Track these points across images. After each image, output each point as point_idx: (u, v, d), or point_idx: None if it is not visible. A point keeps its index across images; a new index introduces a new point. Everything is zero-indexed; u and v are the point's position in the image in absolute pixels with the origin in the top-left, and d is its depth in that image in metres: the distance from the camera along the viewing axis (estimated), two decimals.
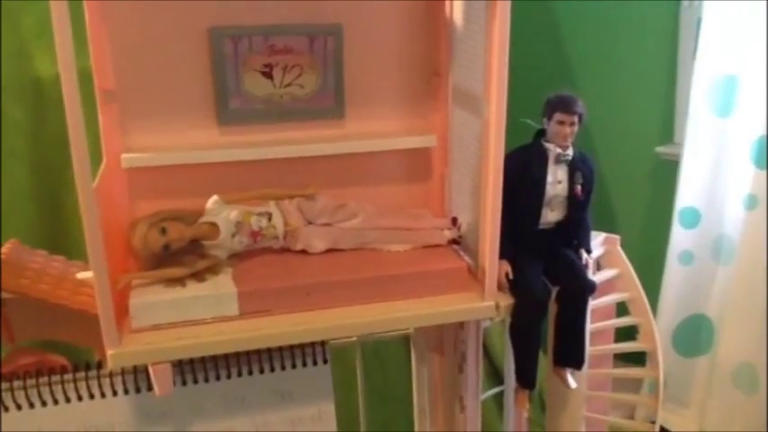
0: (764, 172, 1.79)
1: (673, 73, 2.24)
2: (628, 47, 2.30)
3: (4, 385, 1.12)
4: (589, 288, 1.17)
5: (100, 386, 1.17)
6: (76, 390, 1.15)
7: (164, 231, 1.06)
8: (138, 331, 1.02)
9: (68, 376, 1.15)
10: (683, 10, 2.18)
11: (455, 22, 1.21)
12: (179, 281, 1.07)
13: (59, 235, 1.69)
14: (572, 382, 1.19)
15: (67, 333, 1.23)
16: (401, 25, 1.27)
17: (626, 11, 2.28)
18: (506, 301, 1.13)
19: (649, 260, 2.08)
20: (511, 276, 1.14)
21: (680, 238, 1.94)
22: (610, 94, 2.35)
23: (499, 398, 1.70)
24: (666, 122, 2.28)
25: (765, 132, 1.77)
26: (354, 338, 1.43)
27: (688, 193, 1.92)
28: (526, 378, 1.18)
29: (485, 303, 1.13)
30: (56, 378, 1.14)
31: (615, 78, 2.35)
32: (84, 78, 1.02)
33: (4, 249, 1.23)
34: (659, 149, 2.26)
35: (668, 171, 2.10)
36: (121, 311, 1.03)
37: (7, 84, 1.62)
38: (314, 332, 1.09)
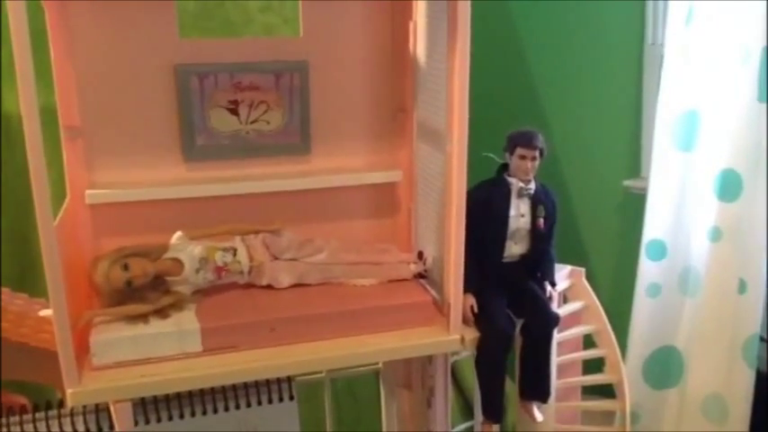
0: (728, 204, 1.82)
1: (638, 109, 2.29)
2: (595, 84, 2.35)
3: None
4: (553, 320, 1.17)
5: (60, 426, 1.14)
6: (35, 430, 1.13)
7: (126, 267, 1.06)
8: (100, 369, 1.01)
9: (28, 416, 1.13)
10: (647, 49, 2.24)
11: (419, 59, 1.24)
12: (142, 317, 1.06)
13: (26, 271, 1.67)
14: (538, 416, 1.19)
15: (29, 372, 1.20)
16: (366, 62, 1.29)
17: (593, 49, 2.33)
18: (472, 334, 1.13)
19: (618, 293, 2.10)
20: (476, 310, 1.14)
21: (647, 270, 1.96)
22: (578, 131, 2.39)
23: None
24: (633, 157, 2.32)
25: (728, 166, 1.81)
26: (323, 374, 1.42)
27: (654, 227, 1.95)
28: (492, 411, 1.18)
29: (450, 337, 1.13)
30: (15, 419, 1.12)
31: (583, 115, 2.39)
32: (50, 115, 1.02)
33: None
34: (627, 183, 2.29)
35: (636, 204, 2.13)
36: (83, 349, 1.02)
37: None
38: (279, 368, 1.09)
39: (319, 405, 1.52)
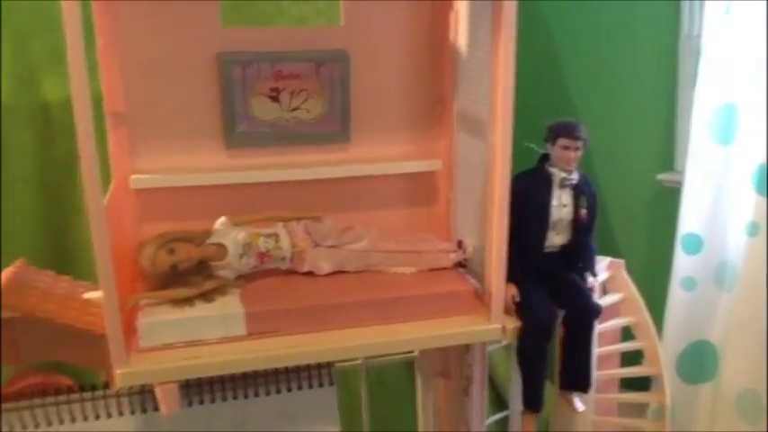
0: (766, 199, 1.80)
1: (673, 102, 2.27)
2: (629, 77, 2.33)
3: (10, 405, 1.12)
4: (595, 311, 1.17)
5: (106, 406, 1.16)
6: (83, 410, 1.15)
7: (172, 252, 1.07)
8: (146, 351, 1.02)
9: (75, 396, 1.15)
10: (683, 41, 2.22)
11: (460, 47, 1.23)
12: (187, 301, 1.07)
13: (65, 258, 1.69)
14: (580, 406, 1.19)
15: (73, 354, 1.22)
16: (406, 51, 1.29)
17: (627, 42, 2.31)
18: (513, 323, 1.13)
19: (651, 287, 2.07)
20: (517, 299, 1.14)
21: (682, 264, 1.94)
22: (612, 124, 2.38)
23: (502, 424, 1.69)
24: (667, 150, 2.30)
25: (766, 160, 1.79)
26: (359, 362, 1.42)
27: (690, 220, 1.93)
28: (533, 401, 1.18)
29: (491, 326, 1.13)
30: (62, 398, 1.14)
31: (617, 108, 2.37)
32: (93, 102, 1.04)
33: (11, 269, 1.24)
34: (660, 177, 2.27)
35: (669, 198, 2.12)
36: (130, 331, 1.03)
37: (16, 108, 1.64)
38: (320, 353, 1.09)
39: (350, 393, 1.53)
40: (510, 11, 1.02)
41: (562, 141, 1.15)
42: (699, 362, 1.95)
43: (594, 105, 2.40)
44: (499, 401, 1.90)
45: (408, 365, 1.55)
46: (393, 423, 1.85)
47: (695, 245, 1.92)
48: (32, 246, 1.67)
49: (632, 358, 1.54)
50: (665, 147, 2.30)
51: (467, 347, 1.30)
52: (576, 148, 1.15)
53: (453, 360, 1.37)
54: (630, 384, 1.68)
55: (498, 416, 1.65)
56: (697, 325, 1.94)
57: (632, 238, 2.39)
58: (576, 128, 1.15)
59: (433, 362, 1.43)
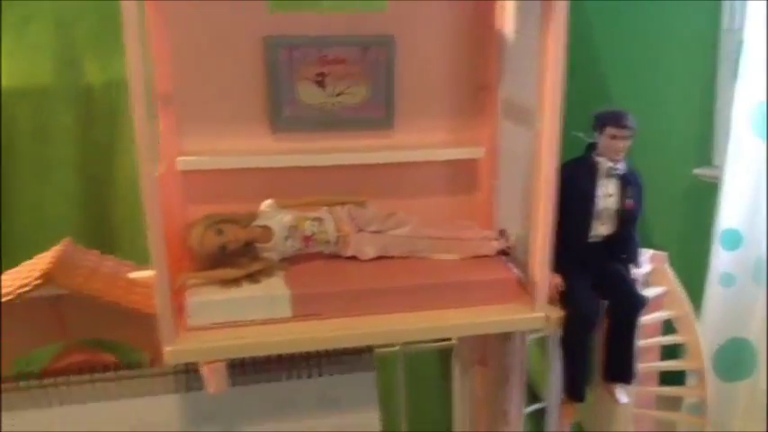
0: None
1: (711, 96, 2.23)
2: (668, 70, 2.30)
3: (61, 379, 1.14)
4: (640, 303, 1.16)
5: (151, 384, 1.18)
6: (130, 387, 1.17)
7: (220, 232, 1.08)
8: (194, 330, 1.04)
9: (122, 373, 1.17)
10: (723, 34, 2.18)
11: (506, 34, 1.23)
12: (234, 282, 1.08)
13: (106, 240, 1.71)
14: (623, 398, 1.18)
15: (118, 332, 1.24)
16: (451, 38, 1.29)
17: (666, 33, 2.28)
18: (556, 313, 1.13)
19: (686, 282, 2.05)
20: (561, 289, 1.13)
21: (721, 260, 1.91)
22: (649, 117, 2.34)
23: (535, 416, 1.68)
24: (705, 145, 2.26)
25: None
26: (397, 348, 1.43)
27: (729, 216, 1.90)
28: (575, 390, 1.17)
29: (535, 314, 1.12)
30: (110, 374, 1.16)
31: (654, 101, 2.34)
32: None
33: (58, 247, 1.26)
34: (697, 171, 2.24)
35: (706, 193, 2.09)
36: (178, 310, 1.04)
37: (59, 91, 1.66)
38: (363, 337, 1.10)
39: (387, 378, 1.52)
40: (560, 10, 1.01)
41: (610, 131, 1.14)
42: (736, 359, 1.92)
43: (632, 98, 2.37)
44: (531, 394, 1.89)
45: (443, 354, 1.55)
46: (427, 410, 1.85)
47: (734, 241, 1.90)
48: (74, 228, 1.69)
49: (668, 352, 1.52)
50: (703, 141, 2.27)
51: (506, 336, 1.29)
52: (624, 138, 1.14)
53: (492, 349, 1.37)
54: (664, 378, 1.66)
55: (535, 407, 1.64)
56: (735, 322, 1.91)
57: (668, 232, 2.35)
58: (624, 117, 1.14)
59: (472, 350, 1.43)
